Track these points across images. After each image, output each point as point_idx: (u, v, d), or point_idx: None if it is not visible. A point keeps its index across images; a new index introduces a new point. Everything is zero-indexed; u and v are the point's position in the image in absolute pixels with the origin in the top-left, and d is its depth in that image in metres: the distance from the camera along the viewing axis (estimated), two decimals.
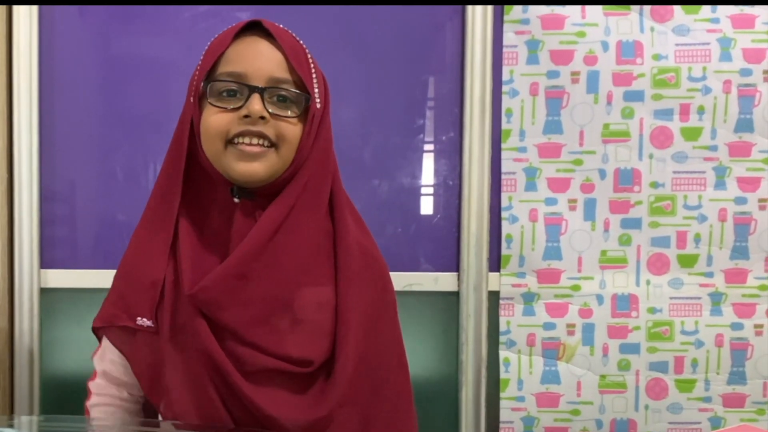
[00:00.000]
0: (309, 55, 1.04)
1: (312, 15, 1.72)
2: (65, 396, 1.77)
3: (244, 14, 1.73)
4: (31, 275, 1.72)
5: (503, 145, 1.76)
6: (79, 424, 1.08)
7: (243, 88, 0.98)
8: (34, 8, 1.69)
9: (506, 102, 1.76)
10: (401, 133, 1.79)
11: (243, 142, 0.98)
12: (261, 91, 0.97)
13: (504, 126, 1.76)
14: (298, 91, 1.00)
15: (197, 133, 1.01)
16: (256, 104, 0.96)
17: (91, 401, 1.14)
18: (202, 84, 1.00)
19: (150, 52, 1.75)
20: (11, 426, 0.99)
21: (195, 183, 1.04)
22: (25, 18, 1.69)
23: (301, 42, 1.04)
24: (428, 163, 1.80)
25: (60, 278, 1.74)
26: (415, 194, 1.80)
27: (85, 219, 1.76)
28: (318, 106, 1.02)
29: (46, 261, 1.74)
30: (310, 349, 1.00)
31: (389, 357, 1.10)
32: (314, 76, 1.02)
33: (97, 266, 1.74)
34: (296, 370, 0.99)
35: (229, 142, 0.98)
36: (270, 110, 0.97)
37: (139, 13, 1.73)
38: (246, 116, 0.97)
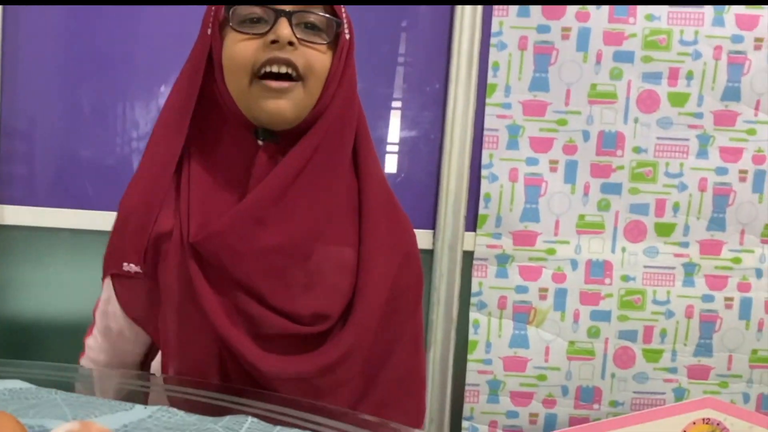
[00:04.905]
0: None
1: None
2: (21, 339, 1.72)
3: None
4: None
5: (488, 101, 1.71)
6: (35, 370, 1.01)
7: (269, 13, 0.89)
8: None
9: (494, 55, 1.70)
10: (383, 82, 1.72)
11: (270, 72, 0.89)
12: (289, 15, 0.89)
13: (490, 80, 1.71)
14: (328, 15, 0.92)
15: (218, 67, 0.93)
16: (284, 28, 0.88)
17: (83, 360, 1.07)
18: (223, 10, 0.92)
19: None
20: None
21: (208, 123, 0.96)
22: None
23: None
24: (409, 114, 1.74)
25: (17, 215, 1.67)
26: (394, 147, 1.75)
27: (46, 156, 1.69)
28: (347, 37, 0.94)
29: (4, 197, 1.67)
30: (324, 307, 0.93)
31: (404, 335, 1.02)
32: (343, 7, 0.95)
33: (58, 205, 1.67)
34: (309, 332, 0.92)
35: (255, 76, 0.90)
36: (299, 36, 0.89)
37: None
38: (273, 42, 0.88)
